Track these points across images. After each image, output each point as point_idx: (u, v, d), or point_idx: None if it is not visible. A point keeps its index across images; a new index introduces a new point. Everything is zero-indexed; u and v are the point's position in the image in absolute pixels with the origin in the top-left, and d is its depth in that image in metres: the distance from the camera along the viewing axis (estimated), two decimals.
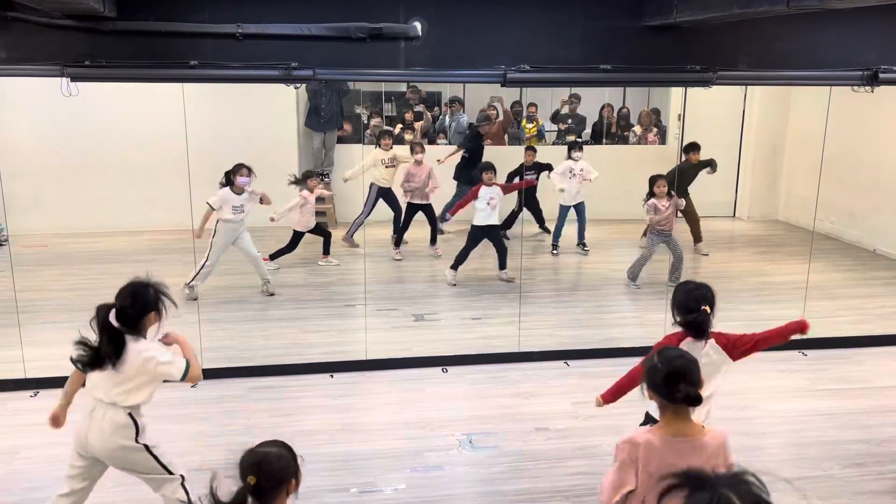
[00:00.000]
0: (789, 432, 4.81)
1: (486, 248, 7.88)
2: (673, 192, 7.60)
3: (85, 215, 9.49)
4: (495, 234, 7.81)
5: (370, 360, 5.76)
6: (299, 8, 4.95)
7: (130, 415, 3.27)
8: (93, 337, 3.22)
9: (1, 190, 5.34)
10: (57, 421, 3.46)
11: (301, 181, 8.16)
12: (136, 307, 3.21)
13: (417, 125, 10.75)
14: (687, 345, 3.38)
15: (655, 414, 3.41)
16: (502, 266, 7.85)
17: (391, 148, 8.90)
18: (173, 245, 8.41)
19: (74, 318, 6.33)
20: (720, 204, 11.07)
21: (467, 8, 5.14)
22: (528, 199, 9.41)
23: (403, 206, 8.93)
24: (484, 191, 7.64)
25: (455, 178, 9.53)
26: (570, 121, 11.27)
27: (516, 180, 9.03)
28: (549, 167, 9.21)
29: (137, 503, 3.85)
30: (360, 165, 8.84)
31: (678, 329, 3.44)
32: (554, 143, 11.24)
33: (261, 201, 7.13)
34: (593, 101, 11.39)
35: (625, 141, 11.23)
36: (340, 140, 10.38)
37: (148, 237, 9.16)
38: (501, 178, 9.40)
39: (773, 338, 3.48)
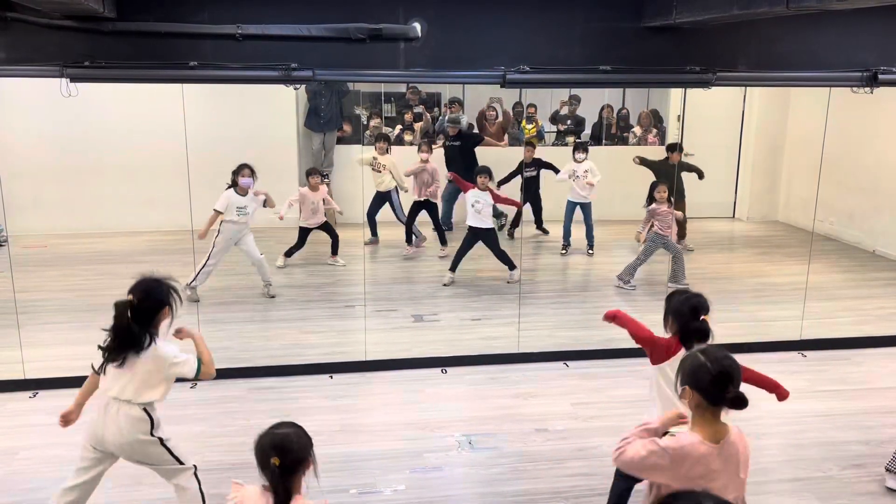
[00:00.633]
0: (789, 433, 4.81)
1: (484, 249, 7.87)
2: (672, 199, 7.60)
3: (84, 216, 9.49)
4: (489, 240, 7.78)
5: (370, 361, 5.76)
6: (299, 9, 4.95)
7: (145, 409, 3.33)
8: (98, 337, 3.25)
9: (0, 190, 5.34)
10: (68, 418, 3.49)
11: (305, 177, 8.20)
12: (151, 302, 3.26)
13: (417, 126, 10.75)
14: (684, 354, 3.35)
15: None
16: (511, 268, 7.82)
17: (385, 153, 8.87)
18: (173, 246, 8.40)
19: (73, 319, 6.41)
20: (720, 205, 11.08)
21: (467, 9, 5.14)
22: (531, 195, 9.41)
23: (406, 204, 8.98)
24: (471, 194, 7.67)
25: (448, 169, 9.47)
26: (569, 122, 11.27)
27: (516, 181, 9.03)
28: (551, 166, 9.21)
29: (138, 503, 3.86)
30: (360, 158, 8.89)
31: (669, 336, 3.39)
32: (553, 144, 11.24)
33: (264, 204, 7.12)
34: (593, 102, 11.38)
35: (624, 142, 11.23)
36: (340, 141, 10.38)
37: (147, 238, 9.16)
38: (501, 177, 9.42)
39: (751, 379, 3.34)
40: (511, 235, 9.67)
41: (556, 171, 9.21)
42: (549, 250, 9.27)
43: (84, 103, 6.01)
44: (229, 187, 6.94)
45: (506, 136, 10.80)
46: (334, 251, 8.36)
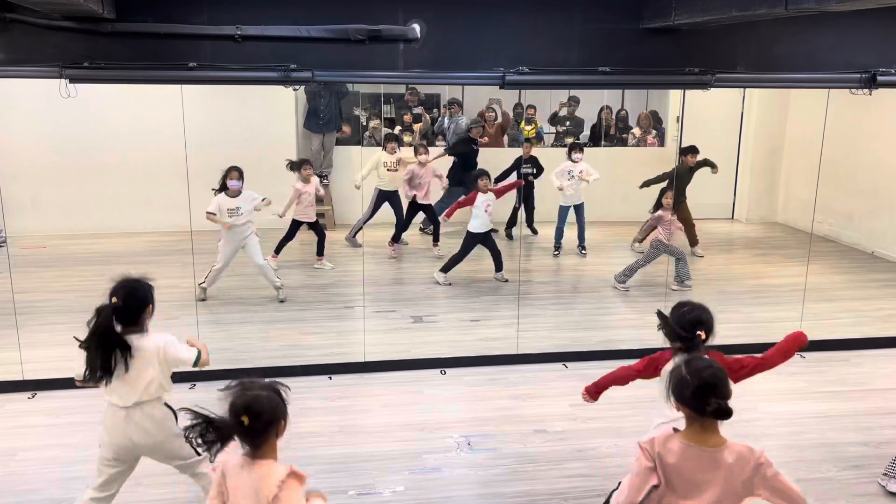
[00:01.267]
0: (788, 434, 4.81)
1: (483, 250, 7.88)
2: (674, 209, 7.59)
3: (83, 217, 9.49)
4: (490, 241, 7.81)
5: (369, 362, 5.75)
6: (298, 10, 4.95)
7: (166, 404, 3.39)
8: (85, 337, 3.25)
9: None
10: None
11: (295, 167, 8.15)
12: (135, 303, 3.28)
13: (416, 127, 10.76)
14: (680, 357, 3.34)
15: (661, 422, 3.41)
16: (498, 268, 7.87)
17: (395, 152, 8.93)
18: (172, 246, 8.40)
19: (72, 320, 6.34)
20: (719, 206, 11.09)
21: (466, 10, 5.15)
22: (526, 196, 9.42)
23: (405, 205, 8.98)
24: (481, 198, 7.65)
25: (448, 178, 9.51)
26: (568, 123, 11.28)
27: (513, 175, 9.04)
28: (541, 170, 9.25)
29: None
30: (366, 169, 8.91)
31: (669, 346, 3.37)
32: (553, 146, 11.24)
33: (263, 201, 7.10)
34: (592, 104, 11.39)
35: (623, 143, 11.24)
36: (339, 142, 10.39)
37: (146, 239, 9.16)
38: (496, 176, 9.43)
39: (775, 357, 3.36)
40: (509, 236, 9.68)
41: (541, 171, 9.25)
42: (549, 251, 9.27)
43: (83, 104, 6.03)
44: (218, 191, 6.91)
45: (505, 137, 10.81)
46: (320, 252, 8.31)
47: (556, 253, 9.02)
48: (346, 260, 8.48)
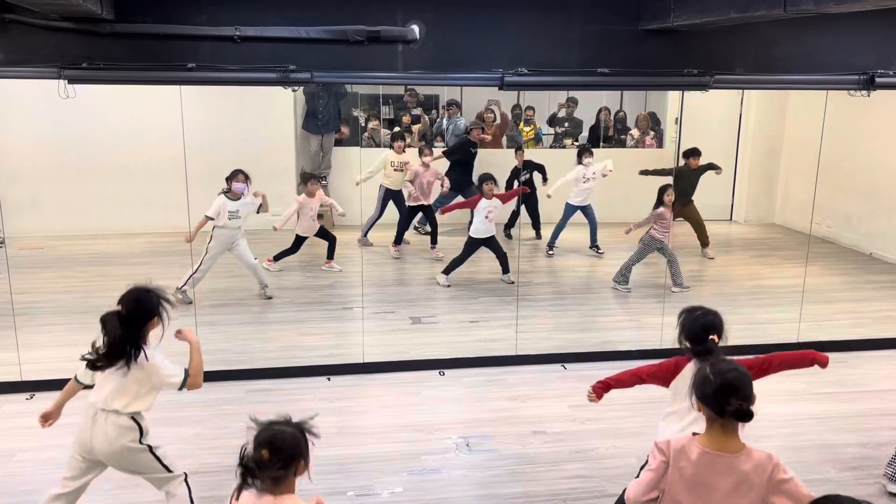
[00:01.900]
0: (786, 435, 4.82)
1: (481, 252, 7.88)
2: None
3: (82, 217, 9.47)
4: (493, 243, 7.81)
5: (367, 363, 5.75)
6: (297, 11, 4.95)
7: (133, 418, 3.32)
8: (95, 341, 3.25)
9: None
10: (47, 417, 3.50)
11: (303, 180, 8.14)
12: (139, 312, 3.25)
13: (415, 128, 10.76)
14: (693, 366, 3.34)
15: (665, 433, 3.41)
16: (505, 270, 7.86)
17: (403, 151, 8.97)
18: (170, 248, 8.39)
19: (71, 321, 6.40)
20: (717, 207, 11.08)
21: (465, 11, 5.15)
22: (527, 201, 9.42)
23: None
24: (484, 203, 7.64)
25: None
26: (566, 124, 11.29)
27: (515, 184, 9.05)
28: (541, 168, 9.25)
29: None
30: (374, 166, 8.97)
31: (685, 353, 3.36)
32: (551, 147, 11.25)
33: (258, 210, 7.09)
34: (590, 105, 11.40)
35: (622, 144, 11.24)
36: (338, 143, 10.38)
37: (145, 239, 9.15)
38: (502, 183, 9.43)
39: (790, 360, 3.40)
40: (509, 236, 9.68)
41: (545, 174, 9.26)
42: (546, 251, 9.27)
43: (82, 105, 6.01)
44: (222, 192, 6.91)
45: (504, 139, 10.81)
46: (330, 255, 8.29)
47: (551, 253, 9.02)
48: (344, 261, 8.47)
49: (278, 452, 2.43)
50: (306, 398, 5.27)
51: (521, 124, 11.08)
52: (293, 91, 9.05)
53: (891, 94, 6.18)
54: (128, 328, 3.21)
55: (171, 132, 5.75)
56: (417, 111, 11.00)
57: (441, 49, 5.12)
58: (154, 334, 3.34)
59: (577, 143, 11.10)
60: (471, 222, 7.85)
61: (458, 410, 5.19)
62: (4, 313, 5.69)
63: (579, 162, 8.92)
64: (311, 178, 8.10)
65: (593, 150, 9.22)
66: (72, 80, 4.73)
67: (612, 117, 11.43)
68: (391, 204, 9.11)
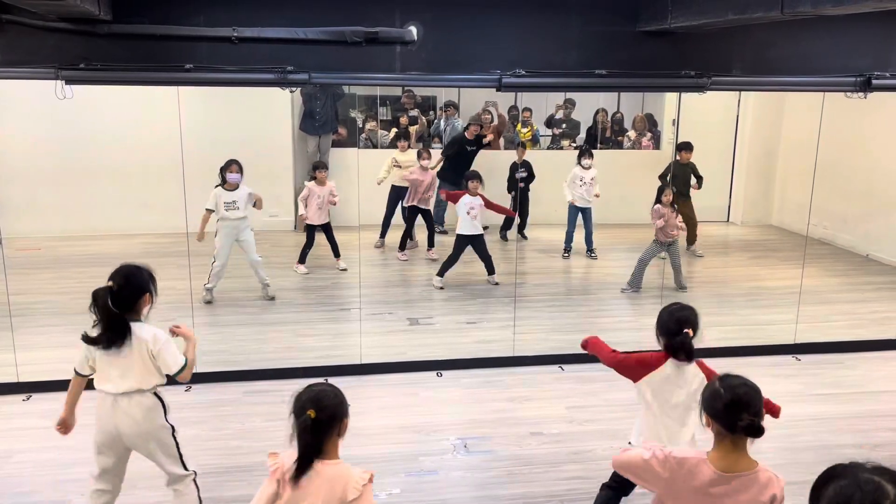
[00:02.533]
0: (783, 437, 4.82)
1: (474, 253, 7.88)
2: (675, 206, 7.60)
3: (79, 218, 9.46)
4: (479, 244, 7.79)
5: (365, 364, 5.75)
6: (295, 12, 4.95)
7: (155, 394, 3.36)
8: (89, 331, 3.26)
9: None
10: (66, 425, 3.49)
11: (312, 168, 8.22)
12: (130, 289, 3.27)
13: (412, 129, 10.75)
14: (672, 367, 3.37)
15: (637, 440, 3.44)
16: (489, 272, 7.88)
17: (407, 150, 9.13)
18: (167, 248, 8.36)
19: (68, 322, 6.37)
20: (714, 209, 11.10)
21: (463, 13, 5.15)
22: (521, 203, 9.42)
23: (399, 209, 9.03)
24: (466, 199, 7.64)
25: (439, 177, 9.46)
26: (564, 125, 11.29)
27: (512, 193, 9.08)
28: (533, 176, 9.26)
29: None
30: (385, 168, 9.11)
31: (660, 350, 3.41)
32: (549, 148, 11.25)
33: (254, 204, 7.11)
34: (587, 106, 11.40)
35: (619, 146, 11.25)
36: (335, 144, 10.37)
37: (142, 240, 9.12)
38: (500, 184, 9.44)
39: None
40: (504, 238, 9.68)
41: (532, 178, 9.30)
42: (545, 253, 9.28)
43: (79, 106, 6.00)
44: (218, 185, 6.94)
45: (501, 140, 10.80)
46: (336, 254, 8.30)
47: (567, 255, 9.06)
48: (342, 262, 8.46)
49: (324, 410, 2.43)
50: None
51: (519, 125, 11.08)
52: (291, 92, 9.04)
53: (887, 96, 6.21)
54: (119, 305, 3.22)
55: (169, 133, 5.75)
56: (415, 112, 11.00)
57: (439, 50, 5.12)
58: (145, 311, 3.36)
59: (574, 145, 11.12)
60: None
61: (456, 412, 5.19)
62: (1, 314, 5.68)
63: (578, 163, 8.93)
64: (320, 167, 8.15)
65: (592, 151, 9.23)
66: (69, 81, 4.73)
67: (609, 119, 11.44)
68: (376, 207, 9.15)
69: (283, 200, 9.67)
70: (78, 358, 3.37)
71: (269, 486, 2.48)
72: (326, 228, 8.19)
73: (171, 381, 3.42)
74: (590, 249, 9.11)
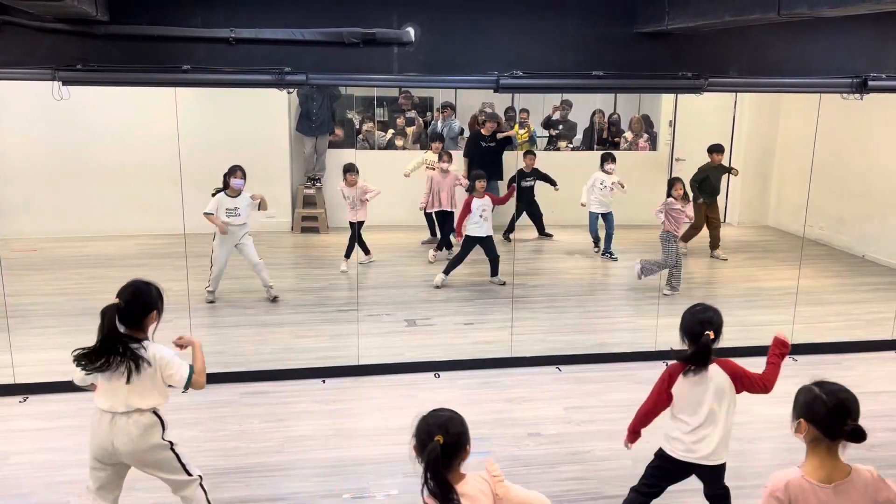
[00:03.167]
0: (781, 437, 4.82)
1: (478, 254, 7.89)
2: (689, 194, 7.60)
3: (75, 219, 9.44)
4: (489, 244, 7.82)
5: (362, 366, 5.75)
6: (293, 13, 4.95)
7: (155, 412, 3.31)
8: (88, 341, 3.22)
9: None
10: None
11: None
12: (138, 305, 3.23)
13: (409, 130, 10.75)
14: (690, 375, 3.33)
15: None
16: (494, 273, 7.89)
17: (439, 152, 9.11)
18: (164, 250, 8.37)
19: (64, 323, 6.38)
20: None
21: (460, 14, 5.15)
22: (528, 205, 9.43)
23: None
24: (476, 203, 7.66)
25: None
26: (560, 127, 11.30)
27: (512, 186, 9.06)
28: (549, 179, 9.25)
29: None
30: (413, 164, 9.20)
31: (678, 358, 3.39)
32: (546, 149, 11.26)
33: (259, 207, 7.10)
34: (584, 108, 11.42)
35: (615, 147, 11.26)
36: (332, 145, 10.37)
37: (138, 241, 9.12)
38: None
39: (772, 375, 3.62)
40: (507, 238, 9.68)
41: (554, 184, 9.26)
42: (544, 254, 9.29)
43: (76, 107, 5.99)
44: (220, 191, 6.91)
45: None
46: (348, 254, 8.24)
47: (597, 249, 9.17)
48: (339, 262, 8.46)
49: (452, 435, 2.43)
50: (301, 401, 5.26)
51: (516, 127, 11.08)
52: (289, 93, 9.04)
53: (883, 98, 6.22)
54: (126, 322, 3.19)
55: (166, 134, 5.74)
56: (412, 113, 11.00)
57: (436, 51, 5.12)
58: (152, 328, 3.33)
59: (571, 146, 11.13)
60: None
61: None
62: None
63: (601, 168, 8.98)
64: (350, 169, 8.10)
65: (587, 152, 9.26)
66: (66, 82, 4.72)
67: (605, 120, 11.45)
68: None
69: (281, 201, 9.65)
70: (78, 375, 3.31)
71: None
72: (359, 227, 8.18)
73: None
74: (607, 251, 9.12)
